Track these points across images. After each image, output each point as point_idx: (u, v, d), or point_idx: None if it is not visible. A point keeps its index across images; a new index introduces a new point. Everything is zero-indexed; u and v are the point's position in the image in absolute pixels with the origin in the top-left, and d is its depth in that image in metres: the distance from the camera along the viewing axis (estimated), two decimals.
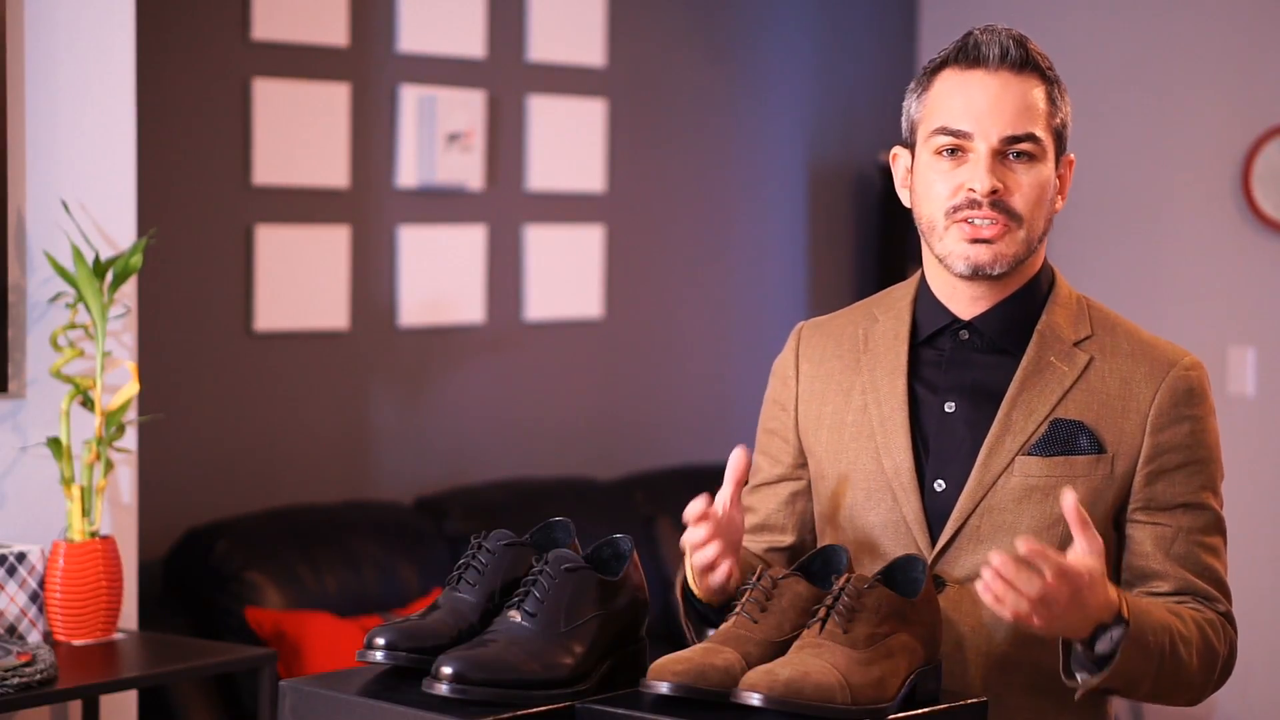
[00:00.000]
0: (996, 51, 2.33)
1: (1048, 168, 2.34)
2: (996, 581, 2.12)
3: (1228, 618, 2.35)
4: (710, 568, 2.27)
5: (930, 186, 2.35)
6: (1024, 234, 2.32)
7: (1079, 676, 2.24)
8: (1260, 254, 5.58)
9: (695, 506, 2.25)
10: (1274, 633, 5.38)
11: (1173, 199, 5.74)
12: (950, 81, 2.35)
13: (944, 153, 2.33)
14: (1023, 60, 2.33)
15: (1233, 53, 5.62)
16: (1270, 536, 5.49)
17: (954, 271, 2.35)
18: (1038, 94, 2.33)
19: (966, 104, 2.32)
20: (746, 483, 2.47)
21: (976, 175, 2.31)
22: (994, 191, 2.30)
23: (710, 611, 2.34)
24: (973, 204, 2.31)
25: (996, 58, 2.32)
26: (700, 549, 2.26)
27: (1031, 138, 2.32)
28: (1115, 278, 5.76)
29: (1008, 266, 2.33)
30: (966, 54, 2.34)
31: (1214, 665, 2.32)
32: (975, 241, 2.31)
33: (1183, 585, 2.33)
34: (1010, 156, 2.32)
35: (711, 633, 2.31)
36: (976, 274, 2.33)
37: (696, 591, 2.32)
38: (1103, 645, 2.20)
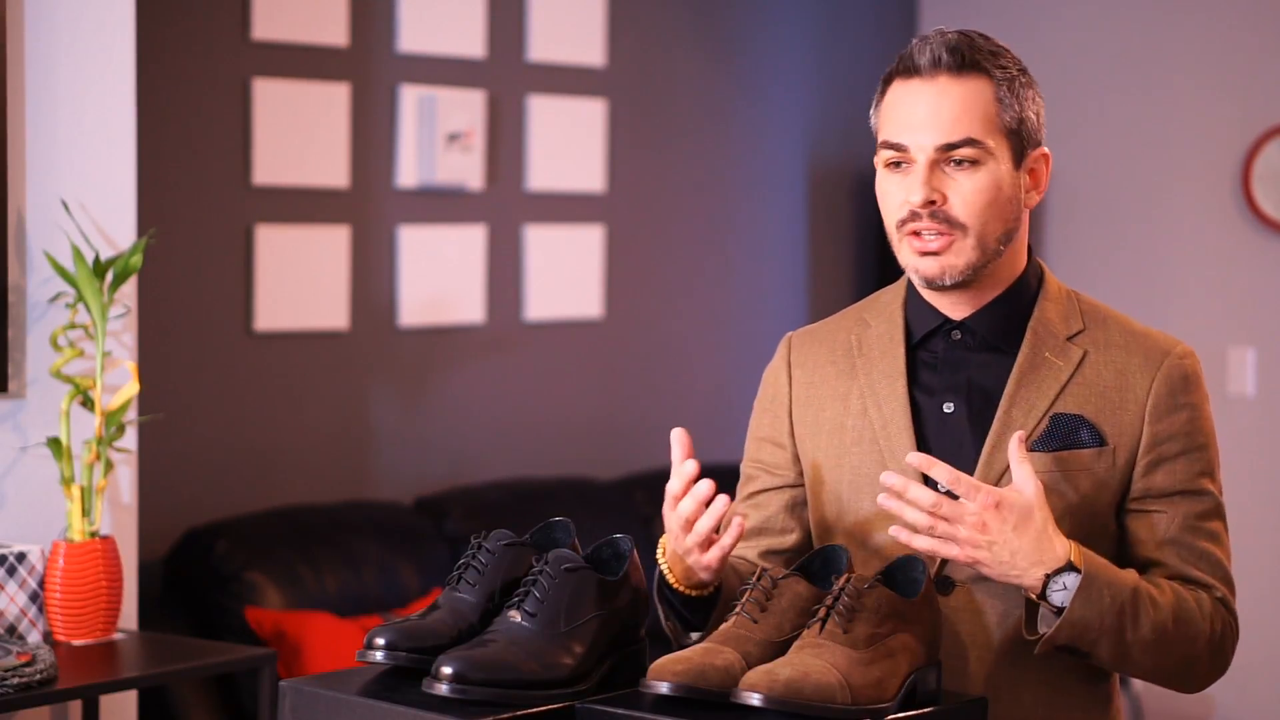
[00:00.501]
0: (927, 59, 2.30)
1: (999, 168, 2.30)
2: (897, 504, 2.19)
3: (1224, 603, 2.32)
4: (707, 544, 2.25)
5: (884, 199, 2.36)
6: (972, 241, 2.30)
7: (1042, 632, 2.23)
8: (1260, 254, 5.58)
9: (686, 469, 2.24)
10: (1274, 633, 5.38)
11: (1173, 199, 5.74)
12: (895, 93, 2.35)
13: (891, 166, 2.34)
14: (960, 63, 2.30)
15: (1233, 53, 5.62)
16: (1270, 537, 5.48)
17: (915, 284, 2.36)
18: (982, 95, 2.30)
19: (904, 116, 2.32)
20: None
21: (913, 187, 2.30)
22: (931, 203, 2.29)
23: (690, 609, 2.32)
24: (914, 216, 2.30)
25: (929, 65, 2.30)
26: (699, 514, 2.23)
27: (970, 142, 2.29)
28: (1115, 278, 5.76)
29: (959, 277, 2.32)
30: (905, 64, 2.34)
31: (1196, 637, 2.28)
32: (924, 255, 2.31)
33: (1176, 574, 2.31)
34: (951, 164, 2.30)
35: (695, 636, 2.31)
36: (930, 286, 2.34)
37: (676, 582, 2.30)
38: (1058, 596, 2.20)
